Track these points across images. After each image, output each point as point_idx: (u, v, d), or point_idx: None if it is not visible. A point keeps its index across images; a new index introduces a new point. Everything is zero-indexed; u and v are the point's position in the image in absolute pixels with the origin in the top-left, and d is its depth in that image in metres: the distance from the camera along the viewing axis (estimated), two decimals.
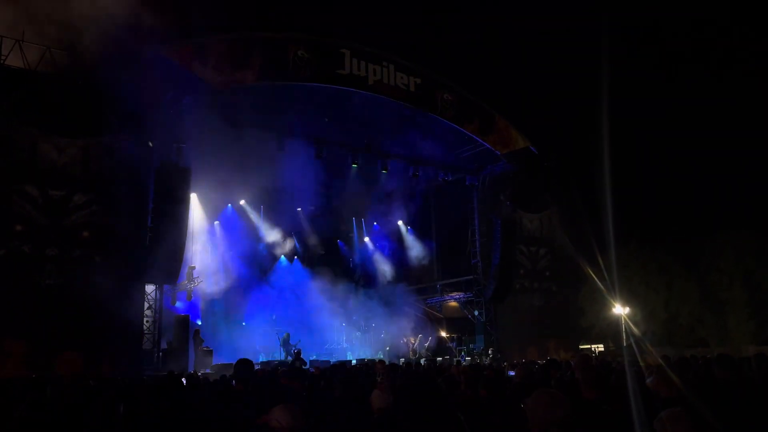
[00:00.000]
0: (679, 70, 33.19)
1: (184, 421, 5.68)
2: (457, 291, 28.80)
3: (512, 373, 11.38)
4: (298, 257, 29.53)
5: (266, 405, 4.56)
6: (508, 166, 26.55)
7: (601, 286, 23.51)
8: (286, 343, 23.04)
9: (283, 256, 28.63)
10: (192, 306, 22.21)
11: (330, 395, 6.67)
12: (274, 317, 25.76)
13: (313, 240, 30.03)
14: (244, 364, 5.23)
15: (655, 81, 35.01)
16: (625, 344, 24.14)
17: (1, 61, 16.21)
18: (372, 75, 22.20)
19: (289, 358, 21.58)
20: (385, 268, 31.07)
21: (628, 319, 24.91)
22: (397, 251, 31.14)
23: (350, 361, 21.14)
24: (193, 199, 21.76)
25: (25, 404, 4.57)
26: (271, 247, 27.92)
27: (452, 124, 24.67)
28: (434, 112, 24.08)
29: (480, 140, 25.55)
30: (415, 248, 30.70)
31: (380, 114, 23.50)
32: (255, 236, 27.47)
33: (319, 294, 27.83)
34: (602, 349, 27.07)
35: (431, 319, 29.50)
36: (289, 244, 28.83)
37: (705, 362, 8.45)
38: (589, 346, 27.27)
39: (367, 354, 24.62)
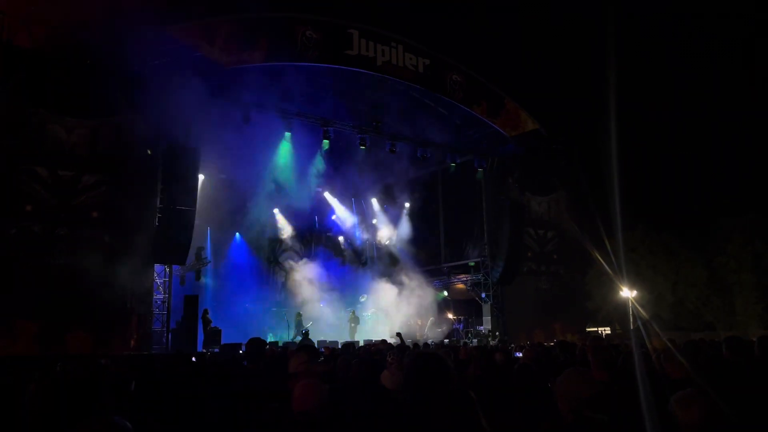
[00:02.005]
0: (687, 55, 32.89)
1: (195, 399, 5.73)
2: (464, 273, 28.81)
3: (519, 354, 11.46)
4: (306, 239, 29.57)
5: (277, 383, 4.60)
6: (517, 148, 26.43)
7: (608, 270, 23.46)
8: (298, 324, 23.15)
9: (292, 237, 28.65)
10: (201, 286, 22.31)
11: (342, 374, 6.71)
12: (281, 301, 25.89)
13: (319, 222, 30.05)
14: (256, 343, 5.27)
15: (663, 66, 34.70)
16: (632, 327, 24.14)
17: (10, 41, 16.18)
18: (380, 56, 22.08)
19: (298, 338, 21.73)
20: (392, 250, 31.09)
21: (635, 303, 24.89)
22: (404, 233, 31.11)
23: (357, 342, 21.24)
24: (202, 179, 21.76)
25: (35, 382, 4.61)
26: (279, 227, 27.95)
27: (461, 105, 24.54)
28: (443, 93, 23.96)
29: (489, 122, 25.43)
30: (422, 230, 30.67)
31: (388, 95, 23.38)
32: (263, 217, 27.48)
33: (325, 275, 27.91)
34: (609, 332, 27.10)
35: (438, 301, 29.55)
36: (297, 226, 28.85)
37: (713, 345, 8.45)
38: (595, 329, 27.30)
39: (374, 336, 24.72)
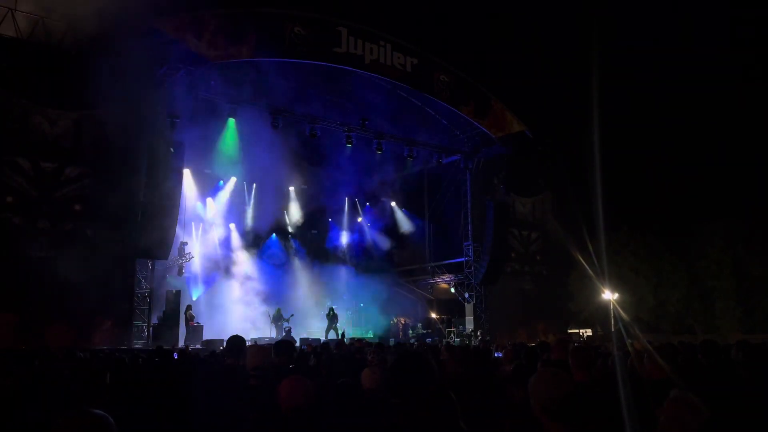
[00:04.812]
0: (671, 58, 33.18)
1: (173, 394, 5.70)
2: (448, 273, 28.90)
3: (499, 354, 11.52)
4: (290, 235, 29.51)
5: (257, 380, 4.58)
6: (503, 149, 26.53)
7: (591, 272, 23.61)
8: (277, 319, 23.08)
9: (275, 234, 28.59)
10: (183, 281, 22.19)
11: (319, 372, 6.72)
12: (263, 298, 25.81)
13: (304, 219, 29.99)
14: (236, 339, 5.24)
15: (647, 70, 35.02)
16: (613, 329, 24.32)
17: None
18: (368, 54, 22.07)
19: (282, 335, 21.68)
20: (376, 248, 31.12)
21: (617, 305, 25.07)
22: (389, 232, 31.16)
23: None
24: (186, 174, 21.65)
25: (13, 375, 4.58)
26: (262, 224, 27.88)
27: (448, 105, 24.59)
28: (430, 93, 23.99)
29: (475, 123, 25.50)
30: (407, 229, 30.74)
31: (376, 94, 23.38)
32: (247, 213, 27.43)
33: (310, 273, 27.86)
34: (590, 333, 27.29)
35: (422, 301, 29.63)
36: (281, 222, 28.80)
37: (689, 348, 8.55)
38: (577, 331, 27.48)
39: (357, 333, 24.74)
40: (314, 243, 30.14)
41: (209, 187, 25.45)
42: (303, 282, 27.37)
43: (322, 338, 21.77)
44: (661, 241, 28.89)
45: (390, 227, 31.04)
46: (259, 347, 5.09)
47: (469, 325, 26.16)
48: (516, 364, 5.85)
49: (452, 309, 28.08)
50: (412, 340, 22.46)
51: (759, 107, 28.05)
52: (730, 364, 6.09)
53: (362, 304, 27.09)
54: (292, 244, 29.24)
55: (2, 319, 15.14)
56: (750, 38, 30.68)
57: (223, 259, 25.13)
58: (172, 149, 18.14)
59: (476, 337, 24.23)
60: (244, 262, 25.89)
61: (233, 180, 26.33)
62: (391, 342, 19.35)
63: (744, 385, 5.12)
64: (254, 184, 27.27)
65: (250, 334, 22.03)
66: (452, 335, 25.02)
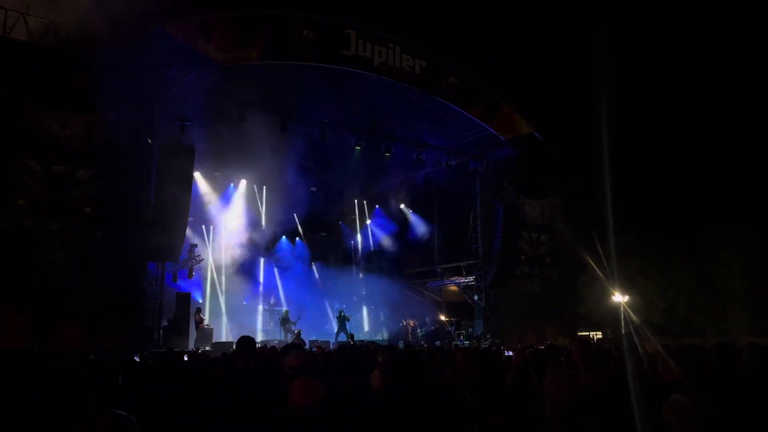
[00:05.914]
0: (682, 62, 33.07)
1: (185, 395, 5.72)
2: (457, 275, 28.86)
3: (509, 353, 11.53)
4: (299, 238, 29.57)
5: (268, 381, 4.60)
6: (512, 151, 26.45)
7: (601, 275, 23.53)
8: (285, 321, 23.12)
9: (284, 237, 28.66)
10: (193, 284, 22.26)
11: (328, 373, 6.71)
12: (272, 300, 25.85)
13: (314, 221, 30.05)
14: (247, 341, 5.25)
15: (658, 73, 34.89)
16: (624, 332, 24.22)
17: (6, 34, 16.12)
18: (378, 57, 22.05)
19: (289, 336, 21.72)
20: (385, 251, 31.13)
21: (626, 307, 24.97)
22: (398, 234, 31.17)
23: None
24: (197, 177, 21.75)
25: (25, 377, 4.60)
26: (272, 227, 27.95)
27: (457, 108, 24.56)
28: (439, 95, 23.94)
29: (484, 125, 25.44)
30: (416, 232, 30.74)
31: (385, 96, 23.38)
32: (257, 216, 27.51)
33: (320, 275, 27.90)
34: (600, 336, 27.18)
35: (431, 303, 29.60)
36: (290, 225, 28.86)
37: (702, 351, 8.51)
38: (587, 333, 27.38)
39: (366, 336, 24.76)
40: (323, 246, 30.18)
41: (219, 190, 25.55)
42: (312, 284, 27.41)
43: (332, 341, 21.81)
44: (671, 244, 28.78)
45: (399, 230, 31.05)
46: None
47: (479, 328, 26.11)
48: (517, 366, 5.83)
49: (462, 311, 28.04)
50: (421, 342, 22.45)
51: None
52: (742, 366, 6.06)
53: (373, 306, 27.06)
54: (302, 246, 29.29)
55: (13, 321, 15.22)
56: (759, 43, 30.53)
57: (233, 261, 25.20)
58: (182, 152, 18.21)
59: (486, 339, 24.18)
60: (253, 264, 25.97)
61: (243, 182, 26.41)
62: (400, 344, 19.36)
63: (755, 387, 5.09)
64: (264, 187, 27.35)
65: (258, 337, 22.12)
66: (461, 337, 24.98)
